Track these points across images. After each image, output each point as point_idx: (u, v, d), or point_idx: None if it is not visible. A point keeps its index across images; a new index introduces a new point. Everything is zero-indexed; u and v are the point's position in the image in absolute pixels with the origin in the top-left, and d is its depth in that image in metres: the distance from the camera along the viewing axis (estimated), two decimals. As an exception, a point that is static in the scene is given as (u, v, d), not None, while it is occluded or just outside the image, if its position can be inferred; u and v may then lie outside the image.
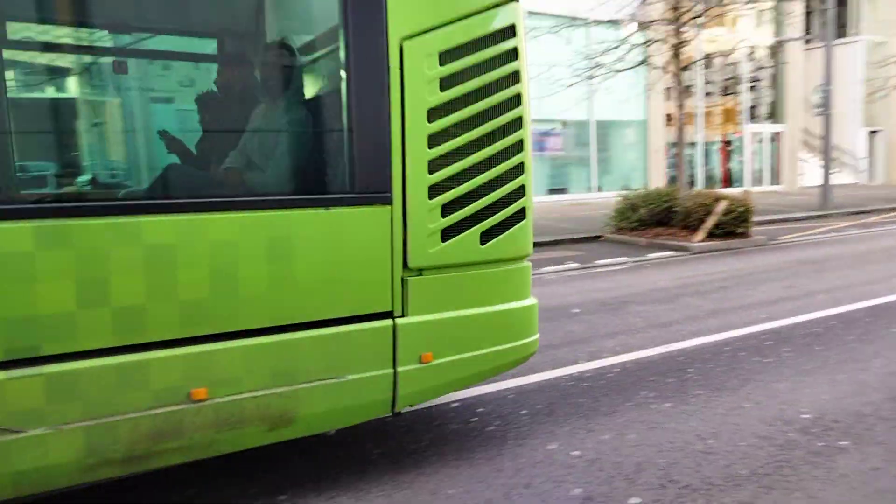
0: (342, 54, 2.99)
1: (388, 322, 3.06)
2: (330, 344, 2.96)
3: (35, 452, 2.42)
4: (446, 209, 3.15)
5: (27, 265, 2.38)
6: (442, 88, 3.10)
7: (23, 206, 2.44)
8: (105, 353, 2.55)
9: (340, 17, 2.96)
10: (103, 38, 3.39)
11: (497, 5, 3.25)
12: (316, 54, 3.51)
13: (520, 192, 3.38)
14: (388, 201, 3.02)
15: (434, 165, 3.10)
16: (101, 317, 2.52)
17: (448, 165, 3.14)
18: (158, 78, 3.93)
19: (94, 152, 3.75)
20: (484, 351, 3.32)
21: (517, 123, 3.33)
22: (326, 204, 2.94)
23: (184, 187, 3.07)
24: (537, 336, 3.62)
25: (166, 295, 2.63)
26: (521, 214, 3.39)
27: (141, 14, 3.40)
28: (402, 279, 3.09)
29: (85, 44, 3.22)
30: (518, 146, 3.35)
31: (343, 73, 3.01)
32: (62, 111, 3.65)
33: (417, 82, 3.03)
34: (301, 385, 2.91)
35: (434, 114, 3.09)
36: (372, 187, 3.00)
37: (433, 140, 3.09)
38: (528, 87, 3.41)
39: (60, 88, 3.64)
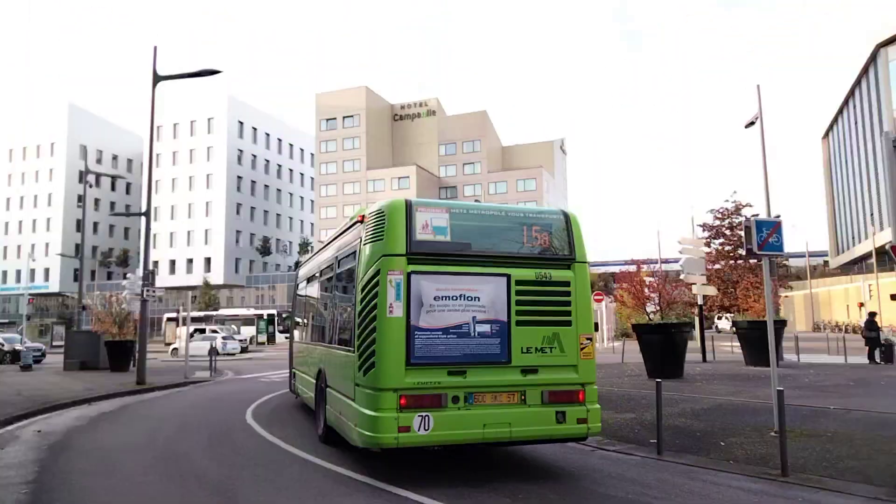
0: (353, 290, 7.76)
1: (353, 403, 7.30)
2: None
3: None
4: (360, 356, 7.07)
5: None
6: (361, 300, 7.12)
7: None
8: None
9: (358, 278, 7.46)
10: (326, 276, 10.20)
11: (377, 260, 6.93)
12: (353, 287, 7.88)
13: (372, 353, 6.81)
14: (353, 350, 7.32)
15: (360, 335, 7.10)
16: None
17: (361, 335, 7.07)
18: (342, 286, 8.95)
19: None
20: (352, 427, 7.21)
21: (374, 316, 6.86)
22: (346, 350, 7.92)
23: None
24: (376, 436, 6.58)
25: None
26: (372, 366, 6.79)
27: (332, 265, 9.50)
28: (355, 386, 7.22)
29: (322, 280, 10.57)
30: (374, 331, 6.86)
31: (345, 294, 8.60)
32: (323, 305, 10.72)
33: (362, 296, 7.13)
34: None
35: (360, 313, 7.10)
36: (350, 344, 7.50)
37: (360, 323, 7.12)
38: (383, 293, 6.81)
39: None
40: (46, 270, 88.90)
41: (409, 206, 7.02)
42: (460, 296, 6.89)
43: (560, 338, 7.15)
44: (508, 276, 7.07)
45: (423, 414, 6.56)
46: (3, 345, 32.32)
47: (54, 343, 48.61)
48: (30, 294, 55.08)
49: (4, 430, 10.99)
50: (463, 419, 6.72)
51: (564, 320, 7.21)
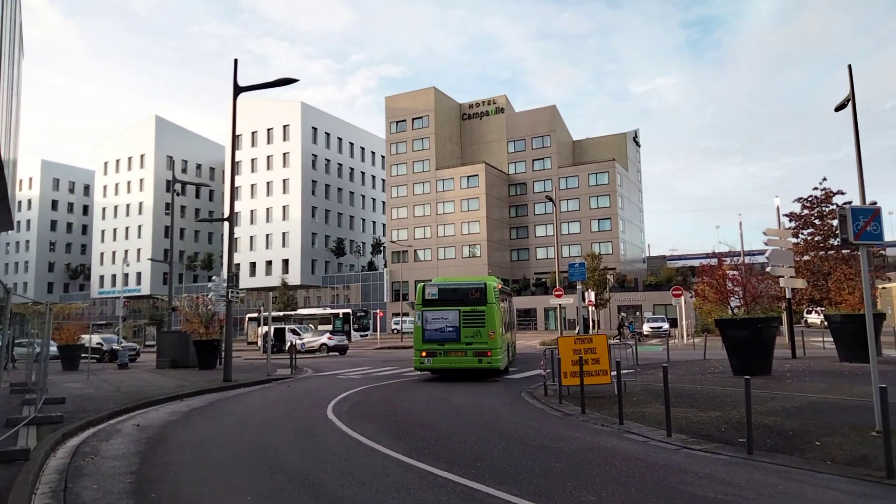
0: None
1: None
2: None
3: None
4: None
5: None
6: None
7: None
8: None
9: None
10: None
11: (415, 307, 20.52)
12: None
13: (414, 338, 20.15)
14: None
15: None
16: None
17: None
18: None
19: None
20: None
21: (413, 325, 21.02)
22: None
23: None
24: (415, 364, 19.57)
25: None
26: (414, 342, 19.95)
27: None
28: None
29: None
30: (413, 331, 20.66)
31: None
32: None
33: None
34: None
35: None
36: None
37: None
38: (415, 318, 20.44)
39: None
40: (139, 274, 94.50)
41: (424, 287, 19.71)
42: (441, 317, 18.90)
43: (480, 332, 18.60)
44: (460, 310, 18.84)
45: (429, 358, 18.91)
46: (102, 345, 34.58)
47: (147, 343, 51.54)
48: (125, 297, 58.61)
49: (107, 424, 11.79)
50: (442, 360, 18.83)
51: (482, 325, 18.65)
